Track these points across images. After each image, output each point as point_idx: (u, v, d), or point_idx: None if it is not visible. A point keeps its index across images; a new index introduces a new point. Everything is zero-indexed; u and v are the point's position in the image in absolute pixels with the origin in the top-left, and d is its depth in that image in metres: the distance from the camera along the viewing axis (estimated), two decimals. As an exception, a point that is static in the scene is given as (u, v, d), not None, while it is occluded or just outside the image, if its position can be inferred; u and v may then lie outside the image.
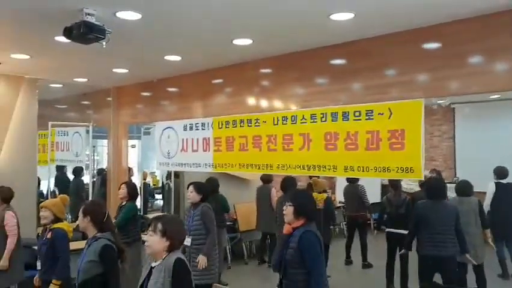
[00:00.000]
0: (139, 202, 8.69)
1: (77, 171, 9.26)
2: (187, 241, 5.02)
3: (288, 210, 3.60)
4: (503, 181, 7.04)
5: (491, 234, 6.03)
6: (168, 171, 10.09)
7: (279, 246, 3.91)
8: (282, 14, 4.00)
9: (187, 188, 5.38)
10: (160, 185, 12.03)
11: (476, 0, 3.67)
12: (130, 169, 9.02)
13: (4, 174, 6.55)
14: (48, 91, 7.85)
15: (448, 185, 5.97)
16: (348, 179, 8.50)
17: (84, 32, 3.74)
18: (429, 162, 11.18)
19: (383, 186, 10.41)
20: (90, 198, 8.21)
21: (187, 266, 2.86)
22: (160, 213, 9.38)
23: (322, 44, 4.96)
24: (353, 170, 4.42)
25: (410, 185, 9.44)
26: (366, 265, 8.25)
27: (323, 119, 4.65)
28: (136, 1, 3.70)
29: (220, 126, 5.73)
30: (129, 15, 3.99)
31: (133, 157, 10.83)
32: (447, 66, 4.16)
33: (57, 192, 8.11)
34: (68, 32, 3.86)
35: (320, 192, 7.08)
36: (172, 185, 9.60)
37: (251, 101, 5.85)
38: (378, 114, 4.22)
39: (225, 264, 7.89)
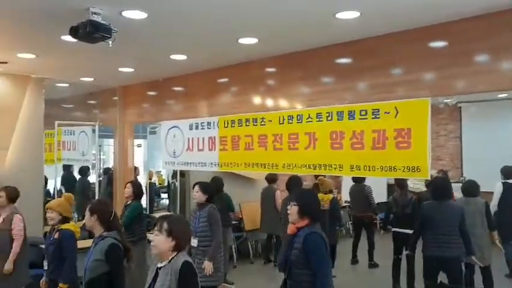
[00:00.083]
0: (144, 201, 8.74)
1: (83, 171, 9.30)
2: (194, 242, 5.02)
3: (293, 210, 3.58)
4: (511, 181, 6.98)
5: (499, 236, 5.98)
6: (174, 171, 10.11)
7: (284, 247, 3.90)
8: (288, 12, 3.99)
9: (193, 187, 5.37)
10: (166, 184, 12.06)
11: (483, -2, 3.65)
12: (136, 168, 9.04)
13: (11, 173, 6.59)
14: (54, 90, 7.88)
15: (454, 184, 5.95)
16: (354, 179, 8.48)
17: (90, 31, 3.75)
18: (435, 162, 11.14)
19: (389, 186, 10.37)
20: (96, 198, 8.24)
21: (194, 270, 2.85)
22: (166, 213, 9.43)
23: (328, 43, 4.95)
24: (359, 169, 4.40)
25: (416, 184, 9.41)
26: (373, 265, 8.24)
27: (329, 118, 4.64)
28: (142, 0, 3.71)
29: (226, 125, 5.73)
30: (135, 15, 4.00)
31: (139, 156, 10.87)
32: (453, 64, 4.13)
33: (63, 191, 8.14)
34: (74, 31, 3.87)
35: (325, 193, 7.07)
36: (177, 184, 9.61)
37: (257, 100, 5.85)
38: (385, 113, 4.21)
39: (230, 264, 7.90)
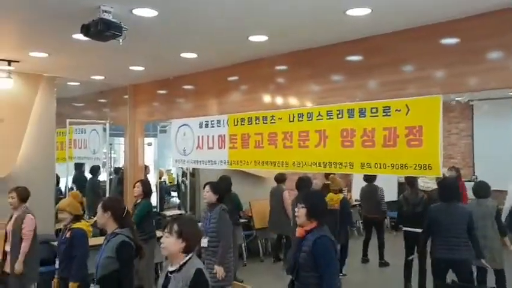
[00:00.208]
0: (154, 199, 8.78)
1: (94, 170, 9.37)
2: (204, 242, 5.02)
3: (301, 212, 3.54)
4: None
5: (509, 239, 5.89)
6: (183, 170, 10.14)
7: (292, 250, 3.88)
8: (298, 10, 3.98)
9: (203, 187, 5.37)
10: (176, 182, 12.11)
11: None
12: (146, 167, 9.09)
13: (23, 171, 6.66)
14: (66, 89, 7.94)
15: (466, 183, 5.88)
16: (365, 178, 8.44)
17: (101, 29, 3.76)
18: (447, 160, 11.04)
19: (400, 184, 10.31)
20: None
21: (206, 278, 2.84)
22: (177, 212, 9.46)
23: (338, 40, 4.92)
24: (370, 167, 4.38)
25: (428, 183, 9.35)
26: (383, 263, 8.20)
27: (339, 116, 4.61)
28: (152, -2, 3.72)
29: (236, 123, 5.73)
30: (145, 12, 4.01)
31: (149, 155, 10.92)
32: (465, 61, 4.10)
33: (74, 189, 8.20)
34: (85, 30, 3.89)
35: (336, 192, 7.05)
36: (187, 183, 9.64)
37: (266, 98, 5.84)
38: (396, 110, 4.18)
39: (240, 262, 7.90)
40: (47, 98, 7.14)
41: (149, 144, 11.42)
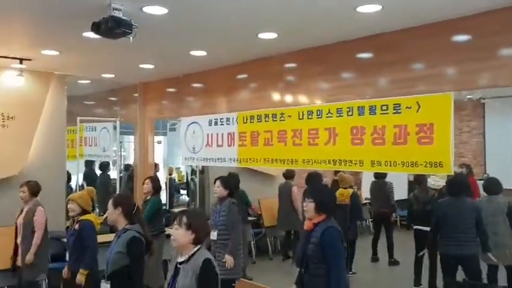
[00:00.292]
0: (164, 197, 8.81)
1: (104, 166, 9.42)
2: (213, 235, 5.08)
3: (309, 206, 3.60)
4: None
5: None
6: (193, 168, 10.16)
7: (301, 242, 3.91)
8: (308, 7, 3.96)
9: (214, 182, 5.41)
10: (185, 180, 12.14)
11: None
12: (156, 165, 9.13)
13: (34, 168, 6.71)
14: (76, 87, 7.98)
15: (478, 181, 5.83)
16: (375, 175, 8.40)
17: (112, 27, 3.78)
18: (458, 159, 10.92)
19: (410, 183, 10.25)
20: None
21: (215, 267, 2.87)
22: (186, 208, 9.51)
23: (348, 38, 4.90)
24: (380, 165, 4.36)
25: (438, 181, 9.27)
26: (393, 262, 8.17)
27: (349, 113, 4.59)
28: (162, -4, 3.74)
29: (245, 121, 5.73)
30: (156, 10, 4.02)
31: (159, 153, 10.95)
32: (476, 58, 4.06)
33: (85, 186, 8.26)
34: (96, 27, 3.92)
35: (345, 188, 7.03)
36: (197, 180, 9.67)
37: (276, 95, 5.83)
38: (406, 108, 4.15)
39: (249, 259, 7.92)
40: (58, 96, 7.20)
41: (159, 142, 11.45)
